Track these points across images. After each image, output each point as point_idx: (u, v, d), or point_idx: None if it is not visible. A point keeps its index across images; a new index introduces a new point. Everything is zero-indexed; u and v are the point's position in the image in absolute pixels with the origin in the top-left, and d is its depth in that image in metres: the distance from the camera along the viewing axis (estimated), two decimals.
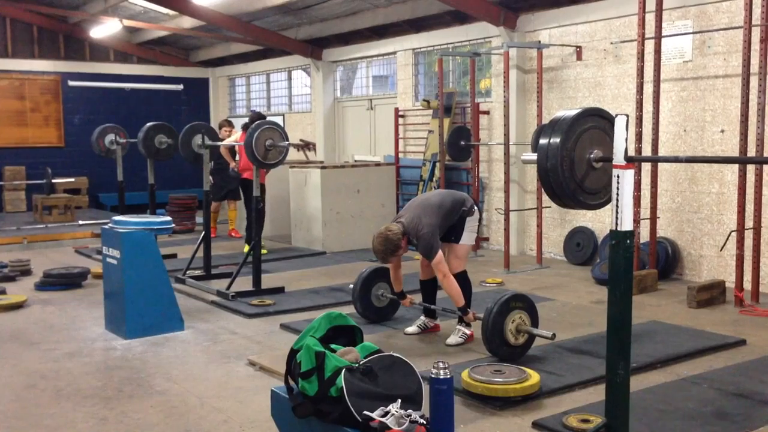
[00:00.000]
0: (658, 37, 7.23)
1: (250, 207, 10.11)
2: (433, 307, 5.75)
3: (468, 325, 5.49)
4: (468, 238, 5.57)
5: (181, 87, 15.74)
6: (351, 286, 6.18)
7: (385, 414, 3.13)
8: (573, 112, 3.26)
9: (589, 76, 8.64)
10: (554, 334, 4.93)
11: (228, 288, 7.01)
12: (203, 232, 8.04)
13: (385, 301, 6.09)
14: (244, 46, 14.14)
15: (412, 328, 5.78)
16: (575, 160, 3.22)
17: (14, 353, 5.46)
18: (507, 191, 8.61)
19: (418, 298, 5.90)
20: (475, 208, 5.60)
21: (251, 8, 11.38)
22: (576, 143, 3.22)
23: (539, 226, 8.69)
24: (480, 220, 5.72)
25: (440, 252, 5.31)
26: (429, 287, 5.78)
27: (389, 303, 6.10)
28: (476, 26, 9.86)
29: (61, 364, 5.18)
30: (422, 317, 5.82)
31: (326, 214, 9.79)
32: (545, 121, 8.43)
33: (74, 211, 12.38)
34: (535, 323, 5.08)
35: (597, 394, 4.24)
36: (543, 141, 3.25)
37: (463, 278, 5.50)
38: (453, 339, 5.46)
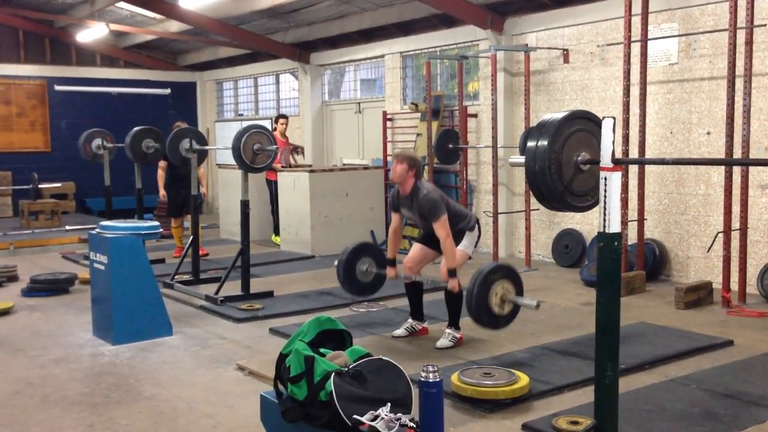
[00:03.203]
0: (644, 40, 7.27)
1: (275, 206, 10.46)
2: (427, 283, 5.71)
3: (457, 328, 5.49)
4: (465, 245, 5.54)
5: (168, 91, 15.67)
6: (336, 263, 6.10)
7: (375, 418, 3.12)
8: (560, 115, 3.27)
9: (576, 79, 8.67)
10: (539, 303, 4.93)
11: (216, 293, 6.98)
12: (191, 237, 8.02)
13: (370, 276, 6.00)
14: (232, 49, 14.11)
15: (399, 331, 5.79)
16: (563, 163, 3.23)
17: (0, 360, 5.41)
18: (495, 194, 8.62)
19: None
20: (477, 225, 5.62)
21: (238, 12, 11.37)
22: (563, 146, 3.23)
23: (527, 228, 8.71)
24: (478, 237, 5.69)
25: (446, 215, 5.31)
26: (414, 291, 5.77)
27: (374, 278, 6.01)
28: (463, 29, 9.88)
29: (48, 370, 5.14)
30: (410, 320, 5.82)
31: (315, 217, 9.78)
32: (533, 123, 8.46)
33: (61, 216, 12.32)
34: (519, 292, 5.05)
35: (586, 395, 4.25)
36: (531, 144, 3.26)
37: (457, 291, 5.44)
38: (443, 342, 5.45)
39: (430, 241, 5.60)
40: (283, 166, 10.54)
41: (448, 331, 5.49)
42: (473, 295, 4.87)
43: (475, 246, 5.71)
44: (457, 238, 5.51)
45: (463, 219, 5.57)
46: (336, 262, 6.06)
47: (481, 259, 9.14)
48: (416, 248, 5.76)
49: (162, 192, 9.42)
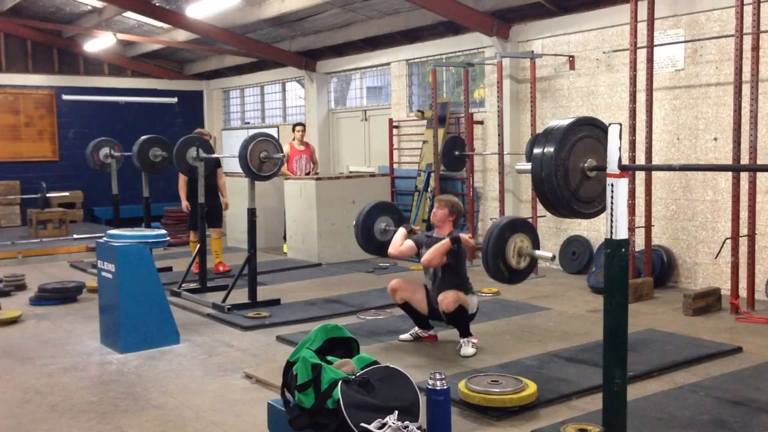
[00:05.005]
0: (651, 46, 7.27)
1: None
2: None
3: (471, 334, 5.49)
4: (472, 299, 5.48)
5: (175, 100, 15.75)
6: (354, 223, 6.13)
7: (382, 426, 3.12)
8: (566, 122, 3.27)
9: (582, 86, 8.67)
10: (554, 256, 4.88)
11: (224, 301, 6.99)
12: (198, 245, 8.03)
13: (389, 235, 6.01)
14: (238, 58, 14.17)
15: (405, 335, 5.82)
16: (569, 170, 3.23)
17: (9, 369, 5.43)
18: (502, 201, 8.61)
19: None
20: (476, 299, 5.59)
21: (245, 21, 11.42)
22: (570, 152, 3.23)
23: None
24: (477, 310, 5.63)
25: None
26: (409, 308, 5.74)
27: (392, 236, 5.95)
28: (469, 37, 9.90)
29: (56, 379, 5.15)
30: (415, 328, 5.81)
31: (321, 225, 9.79)
32: (539, 130, 8.46)
33: (69, 225, 12.36)
34: (536, 245, 4.98)
35: (594, 403, 4.23)
36: (537, 150, 3.26)
37: (460, 313, 5.41)
38: (467, 350, 5.39)
39: (431, 288, 5.60)
40: (307, 173, 10.55)
41: (465, 340, 5.45)
42: (489, 249, 4.79)
43: (473, 317, 5.62)
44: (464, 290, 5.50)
45: (467, 282, 5.56)
46: (354, 223, 6.08)
47: None
48: (417, 287, 5.71)
49: (185, 203, 8.94)
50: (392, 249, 5.71)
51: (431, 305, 5.58)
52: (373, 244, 6.09)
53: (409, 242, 5.67)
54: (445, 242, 5.33)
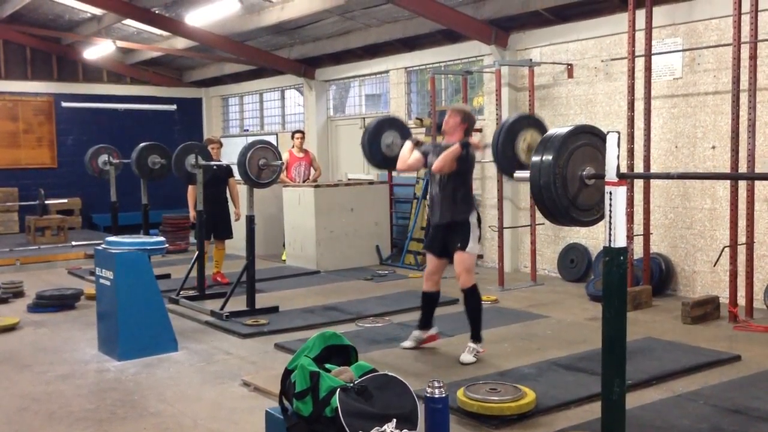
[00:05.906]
0: (649, 55, 7.29)
1: None
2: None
3: (480, 341, 5.48)
4: (472, 247, 5.51)
5: (174, 107, 15.77)
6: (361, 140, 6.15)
7: None
8: (565, 130, 3.28)
9: (581, 94, 8.69)
10: None
11: (222, 308, 6.98)
12: (197, 252, 8.02)
13: (395, 150, 5.99)
14: (237, 66, 14.19)
15: (407, 342, 5.79)
16: (568, 178, 3.24)
17: (6, 376, 5.42)
18: (500, 208, 8.62)
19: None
20: (478, 219, 5.63)
21: (244, 28, 11.44)
22: (568, 160, 3.24)
23: (533, 243, 8.70)
24: (480, 233, 5.67)
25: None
26: (430, 300, 5.74)
27: (399, 152, 5.97)
28: (468, 45, 9.92)
29: (53, 386, 5.14)
30: (415, 331, 5.80)
31: (320, 232, 9.79)
32: None
33: (67, 232, 12.35)
34: None
35: (593, 411, 4.22)
36: (536, 158, 3.27)
37: (474, 295, 5.49)
38: (467, 357, 5.39)
39: (438, 247, 5.62)
40: (303, 181, 10.55)
41: (471, 345, 5.45)
42: (499, 144, 4.76)
43: (480, 236, 5.65)
44: (463, 235, 5.49)
45: (472, 202, 5.60)
46: (361, 139, 6.08)
47: (487, 274, 9.14)
48: (430, 260, 5.74)
49: (192, 213, 8.69)
50: (400, 164, 5.71)
51: (442, 251, 5.59)
52: (380, 158, 6.07)
53: (417, 154, 5.66)
54: (455, 147, 5.32)
